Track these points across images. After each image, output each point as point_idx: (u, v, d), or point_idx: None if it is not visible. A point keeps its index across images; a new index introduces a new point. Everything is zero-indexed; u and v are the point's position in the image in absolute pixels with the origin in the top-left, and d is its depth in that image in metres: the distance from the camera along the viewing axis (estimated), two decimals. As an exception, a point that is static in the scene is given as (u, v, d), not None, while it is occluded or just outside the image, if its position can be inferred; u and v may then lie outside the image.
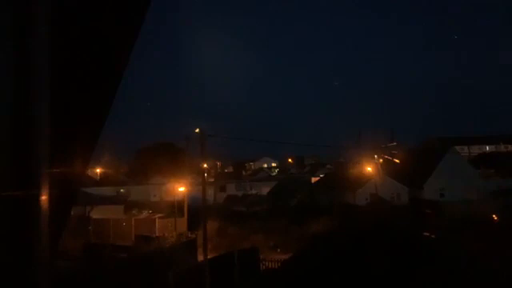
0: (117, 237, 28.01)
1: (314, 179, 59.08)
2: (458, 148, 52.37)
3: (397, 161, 48.47)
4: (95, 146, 2.10)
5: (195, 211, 30.05)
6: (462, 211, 26.45)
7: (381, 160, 50.49)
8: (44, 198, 0.97)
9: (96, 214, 32.33)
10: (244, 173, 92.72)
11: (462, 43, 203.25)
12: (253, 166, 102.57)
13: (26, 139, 0.99)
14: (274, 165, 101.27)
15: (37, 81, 1.13)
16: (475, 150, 66.12)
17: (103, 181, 53.26)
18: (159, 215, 33.96)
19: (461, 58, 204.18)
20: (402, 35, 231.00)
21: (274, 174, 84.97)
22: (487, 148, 70.24)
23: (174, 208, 33.25)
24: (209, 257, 20.09)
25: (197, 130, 28.15)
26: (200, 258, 21.94)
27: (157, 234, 29.59)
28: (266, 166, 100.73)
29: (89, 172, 46.21)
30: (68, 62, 1.71)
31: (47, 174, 1.01)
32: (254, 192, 55.04)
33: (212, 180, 60.20)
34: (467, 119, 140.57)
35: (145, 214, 36.81)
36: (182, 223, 32.11)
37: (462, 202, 31.62)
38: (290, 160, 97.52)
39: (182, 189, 35.30)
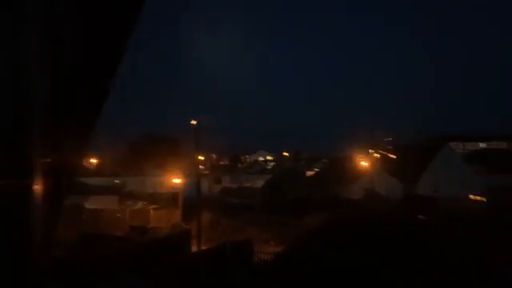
0: (111, 227, 28.02)
1: (309, 173, 59.21)
2: (452, 144, 52.66)
3: (392, 156, 48.65)
4: (91, 137, 2.12)
5: (190, 203, 30.09)
6: (453, 207, 26.73)
7: (376, 155, 50.71)
8: (37, 187, 1.00)
9: (90, 204, 32.31)
10: (239, 165, 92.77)
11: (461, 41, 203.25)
12: (248, 159, 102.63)
13: (21, 129, 1.01)
14: (269, 158, 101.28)
15: (34, 72, 1.15)
16: (469, 147, 66.61)
17: (98, 171, 53.13)
18: (154, 206, 33.99)
19: (459, 56, 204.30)
20: (398, 32, 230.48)
21: (270, 167, 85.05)
22: (480, 145, 70.74)
23: (169, 199, 33.27)
24: (203, 248, 20.22)
25: (193, 122, 28.09)
26: (194, 248, 22.06)
27: (151, 225, 29.67)
28: (261, 159, 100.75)
29: (84, 162, 46.03)
30: (66, 55, 1.73)
31: (41, 163, 1.03)
32: (248, 185, 55.09)
33: (207, 172, 60.21)
34: (464, 116, 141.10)
35: (139, 204, 36.80)
36: (177, 214, 32.18)
37: (455, 199, 31.88)
38: (285, 153, 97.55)
39: (177, 180, 35.30)
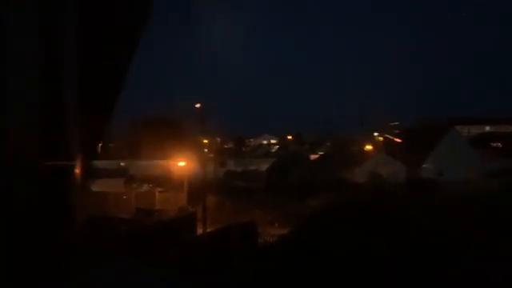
0: (117, 210, 28.37)
1: (313, 156, 59.31)
2: (458, 128, 52.39)
3: (398, 140, 48.54)
4: (107, 128, 2.16)
5: (195, 186, 30.37)
6: (458, 191, 26.74)
7: (381, 138, 50.64)
8: (77, 169, 1.04)
9: (96, 187, 32.67)
10: (244, 149, 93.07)
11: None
12: (253, 143, 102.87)
13: (62, 121, 1.05)
14: (273, 141, 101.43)
15: (66, 74, 1.18)
16: (475, 130, 66.27)
17: (103, 154, 53.36)
18: (159, 189, 34.33)
19: (468, 38, 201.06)
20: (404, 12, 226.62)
21: (274, 150, 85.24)
22: (486, 128, 70.27)
23: (174, 182, 33.53)
24: (208, 230, 20.50)
25: (197, 105, 28.09)
26: (199, 231, 22.39)
27: (157, 208, 30.01)
28: (265, 142, 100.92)
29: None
30: (90, 58, 1.74)
31: (78, 150, 1.07)
32: (253, 168, 55.31)
33: (212, 155, 60.39)
34: (470, 99, 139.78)
35: (145, 187, 37.17)
36: (182, 197, 32.49)
37: (459, 183, 31.89)
38: (289, 137, 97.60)
39: (182, 164, 35.51)
